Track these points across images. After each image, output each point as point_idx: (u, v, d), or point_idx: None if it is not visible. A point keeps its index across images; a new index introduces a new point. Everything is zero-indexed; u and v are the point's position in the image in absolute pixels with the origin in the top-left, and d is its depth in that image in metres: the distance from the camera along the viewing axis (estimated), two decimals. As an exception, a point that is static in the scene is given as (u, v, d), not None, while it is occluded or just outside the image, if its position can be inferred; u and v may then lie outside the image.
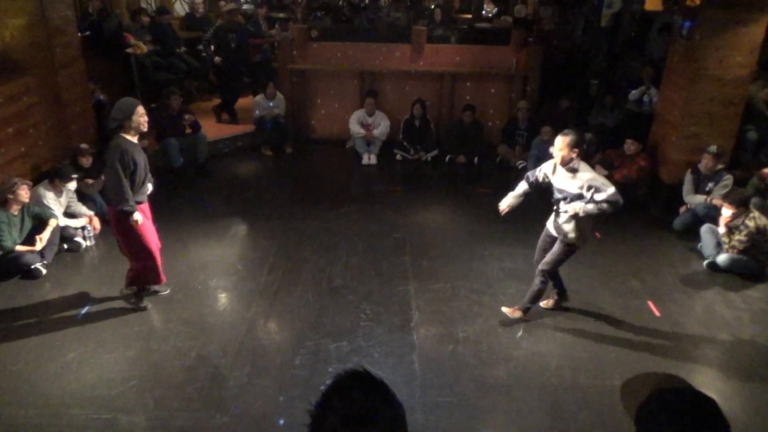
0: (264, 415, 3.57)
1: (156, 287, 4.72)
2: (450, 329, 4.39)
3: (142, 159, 4.20)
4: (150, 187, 4.42)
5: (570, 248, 4.18)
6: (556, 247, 4.23)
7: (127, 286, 4.56)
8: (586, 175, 3.95)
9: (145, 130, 4.20)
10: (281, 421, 3.52)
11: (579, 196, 4.00)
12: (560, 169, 4.05)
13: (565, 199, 4.09)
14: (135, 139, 4.16)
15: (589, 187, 3.92)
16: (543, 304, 4.64)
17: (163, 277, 4.59)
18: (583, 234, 4.13)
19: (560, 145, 3.93)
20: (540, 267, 4.31)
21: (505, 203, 4.30)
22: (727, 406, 3.78)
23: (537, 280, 4.33)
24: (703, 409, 1.42)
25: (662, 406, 1.45)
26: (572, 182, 4.00)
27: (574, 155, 3.93)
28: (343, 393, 1.26)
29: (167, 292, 4.78)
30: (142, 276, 4.48)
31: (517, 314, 4.44)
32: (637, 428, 1.48)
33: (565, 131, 4.01)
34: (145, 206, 4.38)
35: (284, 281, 4.99)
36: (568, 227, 4.10)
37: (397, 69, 8.34)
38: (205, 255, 5.43)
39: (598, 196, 3.89)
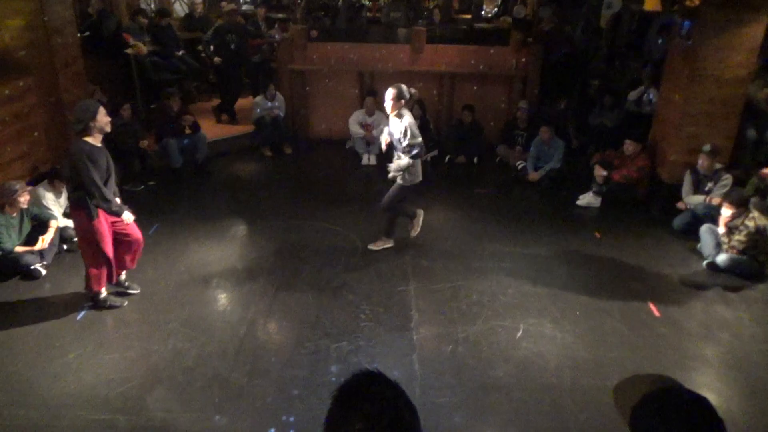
0: (264, 416, 3.56)
1: (128, 284, 4.72)
2: (450, 329, 4.39)
3: (104, 162, 4.14)
4: (116, 196, 4.35)
5: (403, 188, 5.17)
6: (393, 188, 5.24)
7: (91, 290, 4.48)
8: (408, 120, 4.90)
9: (109, 130, 4.16)
10: (281, 421, 3.52)
11: (400, 141, 4.98)
12: (392, 116, 5.03)
13: (397, 141, 5.04)
14: (98, 142, 4.11)
15: (405, 130, 4.87)
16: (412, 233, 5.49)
17: (114, 278, 4.47)
18: (411, 176, 5.09)
19: (388, 98, 4.91)
20: (381, 206, 5.34)
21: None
22: (726, 406, 3.79)
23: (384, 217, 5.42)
24: (694, 407, 1.42)
25: (654, 407, 1.45)
26: (398, 125, 4.95)
27: (401, 105, 4.91)
28: (371, 398, 1.22)
29: (138, 291, 4.74)
30: (100, 278, 4.39)
31: (380, 244, 5.46)
32: (632, 430, 1.48)
33: (393, 85, 4.94)
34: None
35: (284, 281, 4.99)
36: (398, 175, 5.11)
37: (396, 69, 8.34)
38: (205, 255, 5.43)
39: (405, 141, 4.89)
